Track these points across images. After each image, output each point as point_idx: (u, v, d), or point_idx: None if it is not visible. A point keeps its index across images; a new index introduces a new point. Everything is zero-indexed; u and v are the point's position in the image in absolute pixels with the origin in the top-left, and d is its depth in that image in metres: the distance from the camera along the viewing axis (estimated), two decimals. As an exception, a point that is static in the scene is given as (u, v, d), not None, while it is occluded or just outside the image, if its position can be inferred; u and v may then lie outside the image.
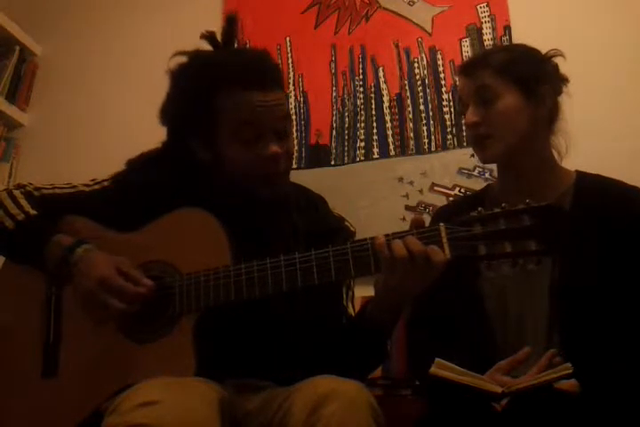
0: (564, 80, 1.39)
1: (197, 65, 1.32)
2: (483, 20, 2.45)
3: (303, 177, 2.14)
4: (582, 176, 1.38)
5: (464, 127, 2.27)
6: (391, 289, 1.12)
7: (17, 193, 1.34)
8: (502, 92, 1.32)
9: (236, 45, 1.47)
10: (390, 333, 1.23)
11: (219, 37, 1.37)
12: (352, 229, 1.42)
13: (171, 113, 1.35)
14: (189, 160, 1.33)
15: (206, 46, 1.38)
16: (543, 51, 1.40)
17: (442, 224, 1.06)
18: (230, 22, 1.38)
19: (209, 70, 1.29)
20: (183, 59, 1.35)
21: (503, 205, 1.03)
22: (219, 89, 1.27)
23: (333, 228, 1.37)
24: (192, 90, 1.30)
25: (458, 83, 1.42)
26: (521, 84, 1.32)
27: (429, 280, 1.08)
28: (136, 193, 1.33)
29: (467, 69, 1.38)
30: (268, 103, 1.26)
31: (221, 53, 1.36)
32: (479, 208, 1.05)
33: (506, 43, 2.33)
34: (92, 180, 1.40)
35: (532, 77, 1.34)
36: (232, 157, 1.28)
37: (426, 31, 2.51)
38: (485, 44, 2.40)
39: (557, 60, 1.40)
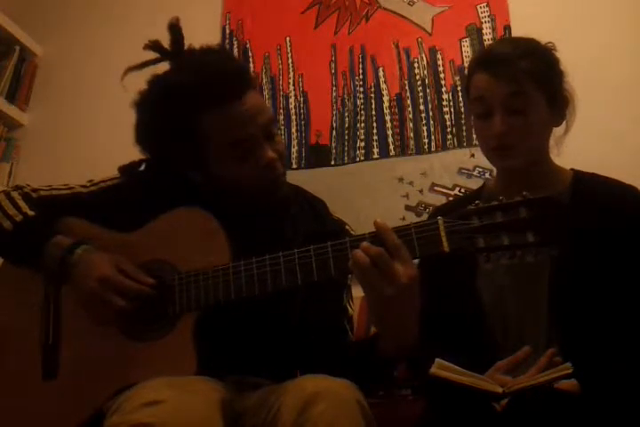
0: None
1: (165, 93, 1.27)
2: (483, 20, 2.45)
3: (303, 177, 2.16)
4: (579, 175, 1.37)
5: (464, 128, 2.31)
6: (377, 307, 1.08)
7: (15, 194, 1.34)
8: (536, 101, 1.26)
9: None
10: (398, 361, 1.20)
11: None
12: (352, 232, 1.40)
13: (150, 143, 1.32)
14: (180, 178, 1.33)
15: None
16: None
17: (440, 218, 1.06)
18: (174, 29, 1.34)
19: (180, 98, 1.24)
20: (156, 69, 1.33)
21: (500, 197, 1.03)
22: (198, 114, 1.24)
23: (333, 231, 1.35)
24: (169, 120, 1.26)
25: (476, 80, 1.30)
26: (549, 93, 1.27)
27: (408, 286, 1.03)
28: (134, 194, 1.33)
29: (493, 67, 1.27)
30: (251, 111, 1.24)
31: (183, 73, 1.28)
32: (476, 201, 1.05)
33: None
34: (90, 181, 1.40)
35: (559, 89, 1.30)
36: (229, 174, 1.27)
37: (426, 31, 2.51)
38: (485, 44, 2.40)
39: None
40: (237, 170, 1.27)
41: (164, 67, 1.36)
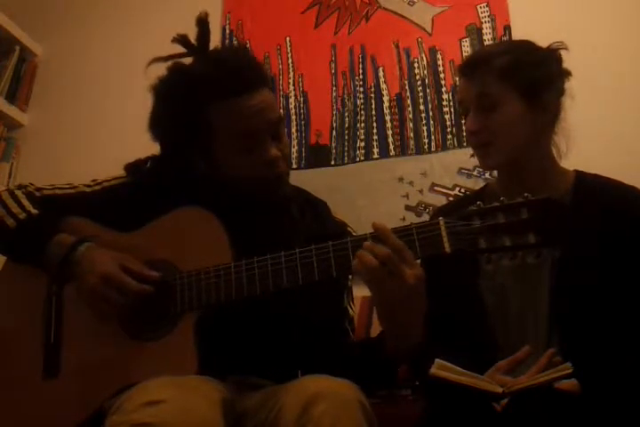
0: (567, 75, 1.38)
1: (180, 80, 1.30)
2: (483, 20, 2.45)
3: (303, 177, 2.15)
4: (581, 176, 1.37)
5: (464, 128, 2.31)
6: (385, 308, 1.10)
7: (18, 193, 1.35)
8: (504, 99, 1.28)
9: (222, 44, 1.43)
10: (403, 361, 1.20)
11: (192, 40, 1.35)
12: (354, 233, 1.40)
13: (161, 129, 1.34)
14: (187, 169, 1.33)
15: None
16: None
17: (441, 218, 1.06)
18: (202, 24, 1.35)
19: (194, 86, 1.27)
20: (160, 68, 1.33)
21: (502, 198, 1.04)
22: (208, 103, 1.26)
23: (335, 233, 1.35)
24: (180, 107, 1.28)
25: (458, 83, 1.39)
26: (524, 90, 1.29)
27: (416, 287, 1.05)
28: (138, 194, 1.33)
29: (467, 71, 1.34)
30: (260, 106, 1.26)
31: (200, 63, 1.32)
32: (478, 202, 1.06)
33: (506, 43, 2.33)
34: (93, 180, 1.41)
35: (536, 84, 1.30)
36: (232, 165, 1.29)
37: (426, 31, 2.51)
38: (485, 44, 2.40)
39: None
40: (241, 161, 1.28)
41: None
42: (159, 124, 1.34)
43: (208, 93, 1.26)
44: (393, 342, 1.14)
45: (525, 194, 1.02)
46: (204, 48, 1.35)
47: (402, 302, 1.06)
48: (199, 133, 1.29)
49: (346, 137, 2.46)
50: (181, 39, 1.35)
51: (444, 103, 2.40)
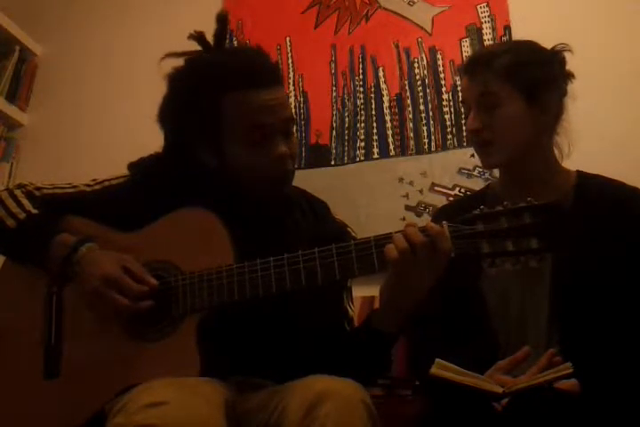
0: (569, 77, 1.38)
1: (197, 69, 1.31)
2: (483, 20, 2.45)
3: (303, 177, 2.14)
4: (583, 177, 1.38)
5: (464, 128, 2.31)
6: (396, 289, 1.11)
7: (18, 192, 1.35)
8: (505, 99, 1.30)
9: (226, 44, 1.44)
10: (395, 340, 1.20)
11: (209, 37, 1.36)
12: (354, 234, 1.41)
13: (172, 119, 1.33)
14: (192, 164, 1.32)
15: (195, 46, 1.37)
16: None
17: (445, 222, 1.06)
18: (222, 21, 1.36)
19: (210, 74, 1.28)
20: (177, 62, 1.34)
21: (505, 203, 1.04)
22: (223, 93, 1.26)
23: (335, 234, 1.35)
24: (194, 95, 1.28)
25: (460, 82, 1.40)
26: (525, 90, 1.30)
27: (434, 275, 1.07)
28: (139, 193, 1.33)
29: (470, 70, 1.35)
30: (274, 102, 1.26)
31: (218, 55, 1.34)
32: (481, 206, 1.06)
33: (506, 43, 2.32)
34: (94, 180, 1.40)
35: (537, 84, 1.31)
36: (240, 159, 1.28)
37: (426, 31, 2.51)
38: (485, 44, 2.40)
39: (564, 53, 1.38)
40: (248, 155, 1.27)
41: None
42: (172, 114, 1.33)
43: (225, 81, 1.26)
44: (393, 315, 1.15)
45: (529, 198, 1.02)
46: (221, 46, 1.36)
47: (416, 288, 1.09)
48: (210, 122, 1.28)
49: (346, 137, 2.46)
50: (198, 37, 1.36)
51: (444, 103, 2.40)
